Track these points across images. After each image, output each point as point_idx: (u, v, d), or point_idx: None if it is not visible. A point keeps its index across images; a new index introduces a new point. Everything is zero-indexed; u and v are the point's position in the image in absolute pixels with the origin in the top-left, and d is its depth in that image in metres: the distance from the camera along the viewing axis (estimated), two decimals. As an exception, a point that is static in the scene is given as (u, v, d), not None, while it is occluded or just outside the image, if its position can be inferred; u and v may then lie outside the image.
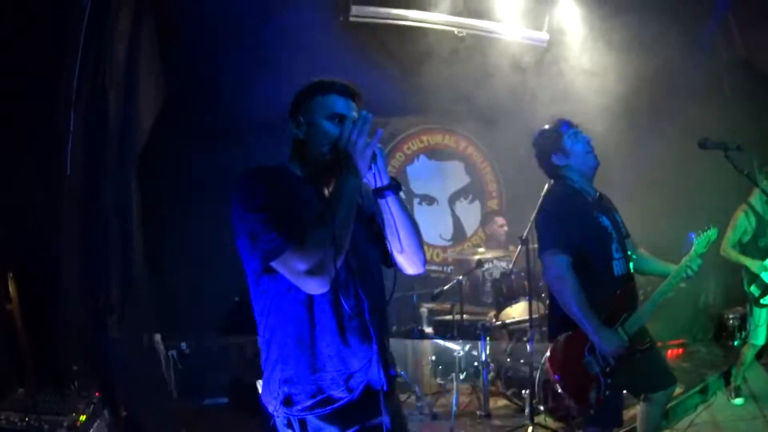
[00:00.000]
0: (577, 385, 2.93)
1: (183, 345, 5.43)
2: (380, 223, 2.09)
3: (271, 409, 1.96)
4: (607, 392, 2.89)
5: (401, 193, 2.06)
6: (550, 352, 3.10)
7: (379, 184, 2.00)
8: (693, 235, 3.10)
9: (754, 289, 4.88)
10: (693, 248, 3.07)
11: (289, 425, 1.92)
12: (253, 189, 1.93)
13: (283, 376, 1.92)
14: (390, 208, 2.03)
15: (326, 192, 2.05)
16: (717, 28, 6.71)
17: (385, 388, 1.97)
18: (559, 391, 3.01)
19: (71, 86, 3.20)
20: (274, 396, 1.93)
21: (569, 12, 6.46)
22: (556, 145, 3.10)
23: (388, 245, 2.07)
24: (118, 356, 3.75)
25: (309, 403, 1.89)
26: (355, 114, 2.02)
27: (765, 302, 4.82)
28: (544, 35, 6.55)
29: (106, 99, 3.53)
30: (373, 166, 1.95)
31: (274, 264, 1.84)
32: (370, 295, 1.99)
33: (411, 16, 5.88)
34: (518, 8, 6.30)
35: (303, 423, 1.90)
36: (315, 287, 1.85)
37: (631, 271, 3.09)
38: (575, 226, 2.96)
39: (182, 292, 5.39)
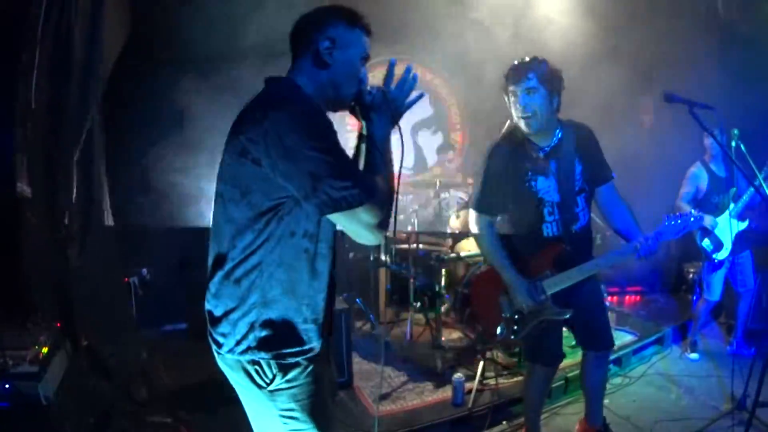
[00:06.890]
0: (488, 317, 3.06)
1: (144, 271, 5.45)
2: None
3: (232, 346, 1.79)
4: (514, 336, 2.98)
5: None
6: (474, 279, 3.15)
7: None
8: (667, 219, 2.90)
9: (707, 244, 4.90)
10: (657, 230, 2.88)
11: (259, 368, 1.78)
12: (320, 126, 1.71)
13: (264, 317, 1.76)
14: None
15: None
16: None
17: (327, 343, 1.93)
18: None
19: (37, 21, 3.13)
20: (243, 336, 1.77)
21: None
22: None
23: None
24: (78, 286, 3.77)
25: (292, 350, 1.78)
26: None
27: (717, 257, 4.87)
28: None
29: (71, 32, 3.46)
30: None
31: (339, 213, 1.70)
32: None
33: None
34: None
35: (284, 367, 1.79)
36: (376, 239, 1.83)
37: (574, 230, 2.97)
38: (501, 190, 2.98)
39: (146, 222, 5.42)
